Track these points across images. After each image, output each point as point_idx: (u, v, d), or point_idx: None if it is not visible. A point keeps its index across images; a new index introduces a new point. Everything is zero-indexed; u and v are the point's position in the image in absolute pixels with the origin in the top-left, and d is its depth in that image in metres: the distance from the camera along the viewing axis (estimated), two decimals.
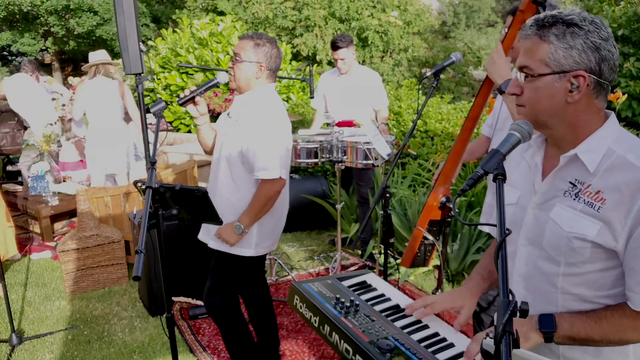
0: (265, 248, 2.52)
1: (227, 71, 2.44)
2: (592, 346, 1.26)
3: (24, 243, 4.86)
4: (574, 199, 1.23)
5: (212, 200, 2.11)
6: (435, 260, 3.16)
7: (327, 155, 3.69)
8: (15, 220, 5.25)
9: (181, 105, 2.39)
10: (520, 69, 1.24)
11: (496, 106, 2.49)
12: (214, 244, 2.49)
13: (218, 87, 2.48)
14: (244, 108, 2.40)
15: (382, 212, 2.82)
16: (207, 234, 2.53)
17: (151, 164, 2.01)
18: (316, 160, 3.67)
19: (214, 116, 7.59)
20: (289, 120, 2.50)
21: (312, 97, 3.94)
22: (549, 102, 1.21)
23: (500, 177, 1.12)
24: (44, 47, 16.69)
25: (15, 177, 6.57)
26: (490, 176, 1.14)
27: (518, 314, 1.00)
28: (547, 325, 1.24)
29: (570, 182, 1.25)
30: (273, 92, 2.47)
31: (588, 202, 1.20)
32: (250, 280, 2.71)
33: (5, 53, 18.65)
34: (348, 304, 1.53)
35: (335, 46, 4.10)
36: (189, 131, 7.84)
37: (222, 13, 11.27)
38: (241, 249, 2.44)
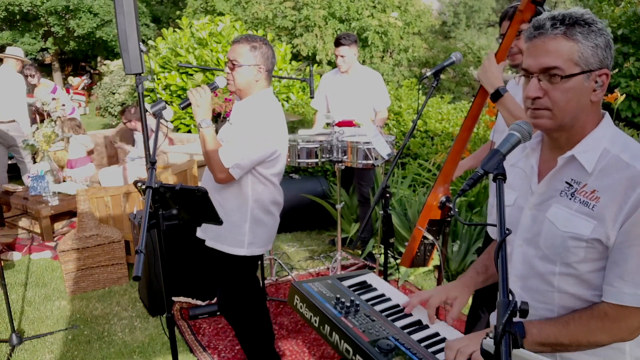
0: (259, 249, 2.52)
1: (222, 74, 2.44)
2: (563, 352, 1.25)
3: (24, 243, 4.85)
4: (570, 199, 1.23)
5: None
6: (435, 260, 3.16)
7: (327, 155, 3.68)
8: (15, 220, 5.27)
9: (183, 109, 2.39)
10: (546, 70, 1.19)
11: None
12: (210, 242, 2.52)
13: (216, 89, 2.48)
14: (242, 112, 2.42)
15: (382, 212, 2.82)
16: (204, 232, 2.56)
17: (151, 164, 2.01)
18: (316, 160, 3.67)
19: (214, 116, 7.58)
20: (285, 125, 2.48)
21: (312, 97, 3.94)
22: (577, 102, 1.20)
23: (501, 177, 1.12)
24: (44, 47, 16.69)
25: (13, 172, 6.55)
26: (491, 176, 1.14)
27: (518, 314, 1.00)
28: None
29: (567, 182, 1.25)
30: (271, 96, 2.47)
31: (583, 201, 1.21)
32: (244, 280, 2.68)
33: None
34: (348, 304, 1.53)
35: (337, 42, 4.12)
36: (189, 131, 7.83)
37: (221, 14, 11.26)
38: (234, 248, 2.45)
